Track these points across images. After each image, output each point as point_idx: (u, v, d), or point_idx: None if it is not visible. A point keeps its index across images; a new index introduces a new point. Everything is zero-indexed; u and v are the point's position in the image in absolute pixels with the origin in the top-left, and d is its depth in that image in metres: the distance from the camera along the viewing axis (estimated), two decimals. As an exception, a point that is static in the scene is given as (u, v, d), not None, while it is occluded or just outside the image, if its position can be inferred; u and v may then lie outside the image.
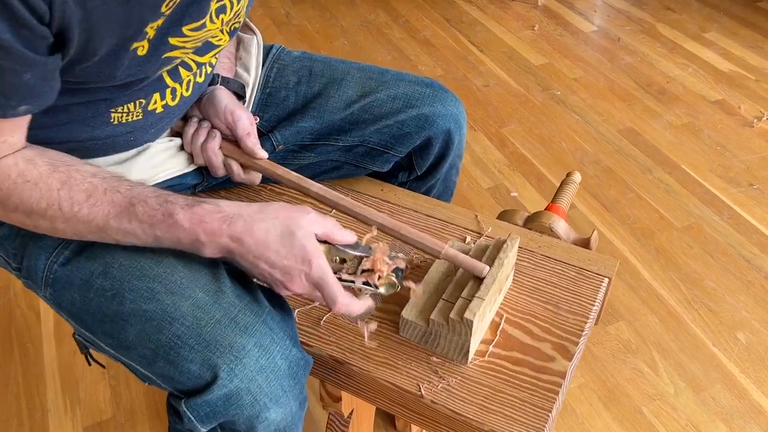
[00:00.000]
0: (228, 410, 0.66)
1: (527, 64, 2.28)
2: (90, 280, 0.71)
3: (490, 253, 0.80)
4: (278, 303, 0.76)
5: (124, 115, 0.73)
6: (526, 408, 0.73)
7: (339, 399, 0.85)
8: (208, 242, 0.65)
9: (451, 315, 0.74)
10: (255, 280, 0.71)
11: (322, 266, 0.66)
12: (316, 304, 0.77)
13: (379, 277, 0.71)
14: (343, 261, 0.71)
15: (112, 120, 0.72)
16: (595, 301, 0.84)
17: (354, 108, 0.95)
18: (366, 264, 0.71)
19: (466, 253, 0.83)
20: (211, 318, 0.68)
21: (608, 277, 0.87)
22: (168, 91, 0.76)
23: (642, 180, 1.78)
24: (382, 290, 0.72)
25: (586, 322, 0.81)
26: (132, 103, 0.73)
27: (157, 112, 0.76)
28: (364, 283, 0.71)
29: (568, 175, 1.04)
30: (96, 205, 0.65)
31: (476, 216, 0.95)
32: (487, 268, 0.75)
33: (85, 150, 0.74)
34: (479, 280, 0.76)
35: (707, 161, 1.84)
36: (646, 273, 1.52)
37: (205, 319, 0.68)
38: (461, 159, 1.10)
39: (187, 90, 0.78)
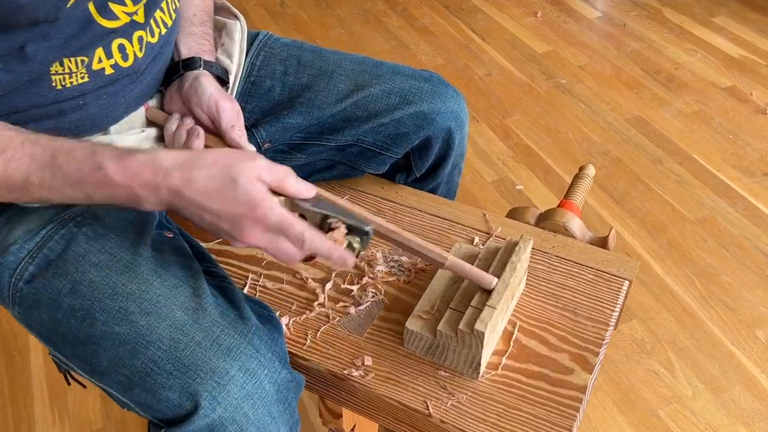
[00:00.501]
0: None
1: (531, 52, 2.21)
2: (58, 299, 0.65)
3: (501, 257, 0.74)
4: (266, 317, 0.70)
5: (66, 77, 0.65)
6: (544, 427, 0.66)
7: (339, 416, 0.79)
8: (145, 196, 0.58)
9: (461, 326, 0.67)
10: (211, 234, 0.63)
11: (274, 208, 0.58)
12: (299, 266, 0.66)
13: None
14: (302, 218, 0.62)
15: (53, 83, 0.65)
16: (615, 306, 0.78)
17: (346, 104, 0.88)
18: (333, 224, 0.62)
19: (475, 256, 0.76)
20: (190, 340, 0.62)
21: (629, 280, 0.80)
22: (114, 46, 0.68)
23: (652, 171, 1.71)
24: None
25: (606, 330, 0.75)
26: (71, 61, 0.65)
27: (106, 73, 0.68)
28: None
29: (582, 168, 0.97)
30: (13, 160, 0.57)
31: (484, 215, 0.89)
32: (496, 280, 0.69)
33: (33, 121, 0.67)
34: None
35: (719, 150, 1.77)
36: (659, 268, 1.46)
37: (184, 341, 0.62)
38: (464, 158, 1.03)
39: (140, 50, 0.71)
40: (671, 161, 1.74)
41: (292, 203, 0.61)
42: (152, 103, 0.79)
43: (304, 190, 0.62)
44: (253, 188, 0.57)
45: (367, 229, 0.62)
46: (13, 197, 0.60)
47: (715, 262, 1.47)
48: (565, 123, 1.89)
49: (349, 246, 0.62)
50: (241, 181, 0.57)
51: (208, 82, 0.76)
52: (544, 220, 0.87)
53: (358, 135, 0.88)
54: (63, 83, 0.66)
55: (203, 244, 0.78)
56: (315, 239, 0.59)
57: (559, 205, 0.89)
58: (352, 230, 0.62)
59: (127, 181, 0.57)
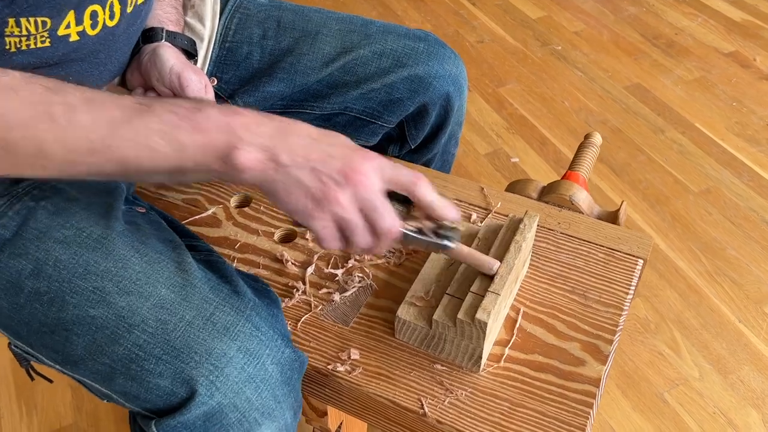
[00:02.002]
0: (210, 431, 0.55)
1: (524, 18, 2.11)
2: (18, 283, 0.58)
3: (504, 236, 0.66)
4: (264, 291, 0.62)
5: (23, 39, 0.56)
6: (554, 426, 0.59)
7: (324, 414, 0.71)
8: (246, 139, 0.49)
9: (460, 315, 0.59)
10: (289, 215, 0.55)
11: (377, 184, 0.51)
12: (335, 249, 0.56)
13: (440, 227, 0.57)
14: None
15: (6, 46, 0.56)
16: (629, 288, 0.70)
17: (332, 68, 0.80)
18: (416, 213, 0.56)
19: (473, 236, 0.68)
20: (179, 320, 0.55)
21: (643, 259, 0.73)
22: (87, 13, 0.59)
23: (653, 141, 1.64)
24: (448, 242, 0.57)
25: (620, 315, 0.67)
26: (29, 22, 0.55)
27: (70, 40, 0.59)
28: (418, 231, 0.56)
29: (587, 137, 0.89)
30: (100, 109, 0.49)
31: (482, 189, 0.80)
32: (497, 264, 0.61)
33: None
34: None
35: (723, 119, 1.70)
36: (662, 243, 1.39)
37: (173, 321, 0.55)
38: (461, 127, 0.96)
39: (110, 18, 0.61)
40: (673, 130, 1.67)
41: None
42: (116, 81, 0.70)
43: (449, 210, 0.55)
44: (369, 157, 0.51)
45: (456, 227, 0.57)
46: (90, 161, 0.49)
47: (720, 235, 1.40)
48: (561, 91, 1.80)
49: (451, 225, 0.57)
50: (360, 151, 0.52)
51: (168, 54, 0.67)
52: (548, 193, 0.78)
53: (346, 102, 0.81)
54: (18, 46, 0.56)
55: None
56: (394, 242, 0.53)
57: (563, 177, 0.81)
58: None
59: (228, 119, 0.49)
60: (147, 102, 0.50)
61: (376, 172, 0.51)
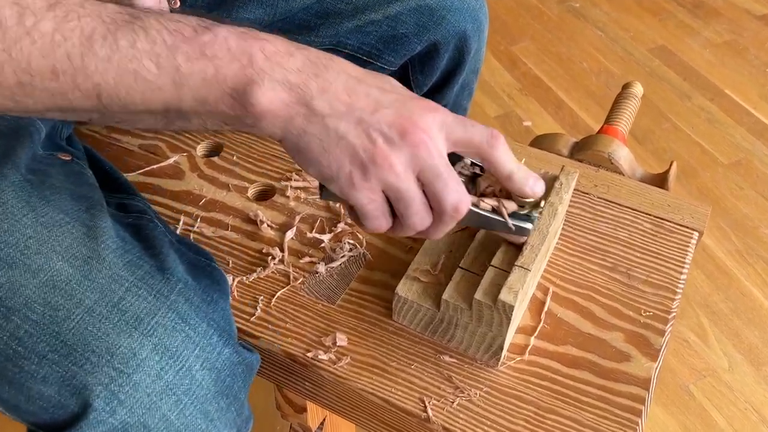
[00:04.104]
0: None
1: (539, -28, 1.94)
2: None
3: (534, 196, 0.52)
4: (203, 267, 0.49)
5: None
6: (593, 440, 0.46)
7: (303, 409, 0.58)
8: (269, 72, 0.37)
9: (477, 295, 0.46)
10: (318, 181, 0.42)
11: (442, 147, 0.39)
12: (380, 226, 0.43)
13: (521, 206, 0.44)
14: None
15: None
16: (683, 267, 0.57)
17: None
18: (483, 185, 0.44)
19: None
20: (76, 305, 0.42)
21: (699, 231, 0.60)
22: None
23: (679, 107, 1.51)
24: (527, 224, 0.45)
25: (673, 299, 0.54)
26: None
27: None
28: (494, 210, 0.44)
29: (626, 86, 0.75)
30: (69, 18, 0.36)
31: (502, 142, 0.66)
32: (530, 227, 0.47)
33: None
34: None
35: (755, 85, 1.56)
36: (689, 219, 1.26)
37: (66, 307, 0.42)
38: (477, 77, 0.83)
39: None
40: (700, 97, 1.53)
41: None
42: None
43: (536, 184, 0.43)
44: (431, 108, 0.40)
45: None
46: (52, 88, 0.36)
47: (752, 212, 1.29)
48: (579, 52, 1.66)
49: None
50: (419, 100, 0.40)
51: None
52: (582, 149, 0.65)
53: (338, 36, 0.69)
54: None
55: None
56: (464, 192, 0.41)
57: (600, 131, 0.67)
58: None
59: (245, 43, 0.37)
60: (136, 13, 0.37)
61: (442, 129, 0.39)
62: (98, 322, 0.42)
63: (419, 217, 0.40)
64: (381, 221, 0.41)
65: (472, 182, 0.45)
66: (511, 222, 0.43)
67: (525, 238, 0.47)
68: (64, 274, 0.43)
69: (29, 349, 0.41)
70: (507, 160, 0.41)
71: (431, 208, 0.40)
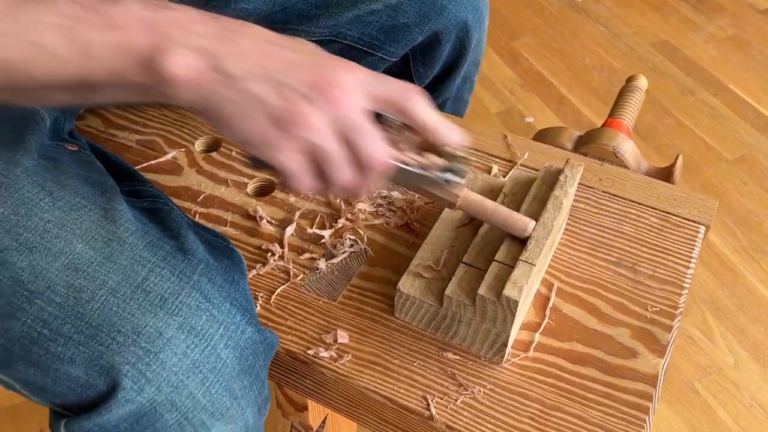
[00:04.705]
0: None
1: (541, -32, 1.93)
2: None
3: (538, 190, 0.51)
4: (222, 248, 0.49)
5: None
6: (600, 438, 0.45)
7: (304, 408, 0.57)
8: (178, 38, 0.37)
9: (481, 291, 0.45)
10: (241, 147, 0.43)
11: (359, 102, 0.39)
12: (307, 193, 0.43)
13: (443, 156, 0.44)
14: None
15: None
16: (690, 261, 0.56)
17: None
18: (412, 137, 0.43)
19: (498, 190, 0.54)
20: (99, 286, 0.42)
21: (705, 225, 0.59)
22: None
23: (682, 103, 1.49)
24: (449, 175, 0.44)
25: (680, 294, 0.53)
26: None
27: None
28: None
29: (630, 79, 0.74)
30: None
31: (505, 137, 0.65)
32: (533, 223, 0.47)
33: None
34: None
35: (759, 80, 1.55)
36: (693, 215, 1.25)
37: (90, 289, 0.42)
38: (478, 69, 0.82)
39: None
40: (704, 92, 1.52)
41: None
42: None
43: (450, 132, 0.42)
44: (347, 66, 0.39)
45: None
46: None
47: (757, 207, 1.27)
48: (581, 47, 1.64)
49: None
50: (334, 59, 0.40)
51: None
52: (587, 143, 0.64)
53: (338, 27, 0.68)
54: None
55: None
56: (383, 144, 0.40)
57: (604, 125, 0.66)
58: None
59: (153, 14, 0.37)
60: None
61: (358, 85, 0.39)
62: (122, 302, 0.41)
63: (343, 173, 0.40)
64: (306, 181, 0.40)
65: (399, 143, 0.44)
66: (437, 174, 0.43)
67: (530, 228, 0.46)
68: (85, 257, 0.42)
69: (54, 331, 0.41)
70: (423, 111, 0.41)
71: (355, 165, 0.40)
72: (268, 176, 0.62)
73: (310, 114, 0.37)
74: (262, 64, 0.37)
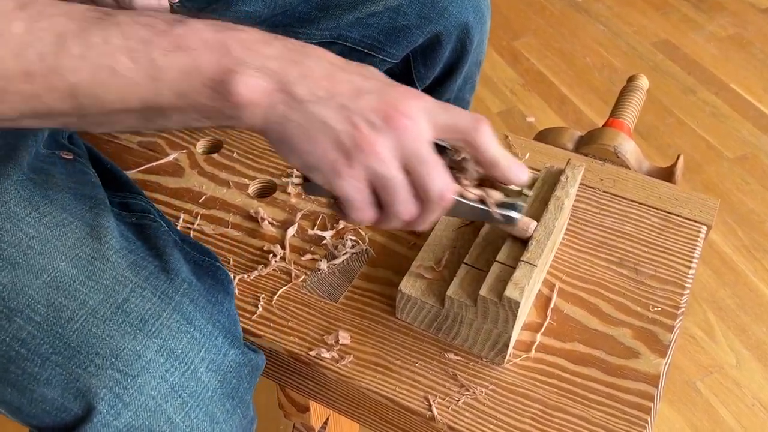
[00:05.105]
0: None
1: (541, -33, 1.93)
2: None
3: (539, 190, 0.51)
4: (208, 268, 0.48)
5: None
6: (602, 438, 0.45)
7: (306, 409, 0.57)
8: (247, 60, 0.36)
9: (482, 292, 0.45)
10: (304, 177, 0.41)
11: (426, 133, 0.38)
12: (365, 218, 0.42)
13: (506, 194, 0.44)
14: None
15: None
16: (691, 261, 0.56)
17: None
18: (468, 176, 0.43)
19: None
20: (80, 306, 0.41)
21: (707, 225, 0.59)
22: None
23: (684, 102, 1.49)
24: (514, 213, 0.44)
25: (682, 294, 0.53)
26: None
27: None
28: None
29: (631, 79, 0.74)
30: (41, 17, 0.35)
31: (507, 137, 0.65)
32: (534, 224, 0.47)
33: None
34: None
35: (760, 79, 1.55)
36: (694, 214, 1.25)
37: (70, 308, 0.41)
38: (479, 70, 0.82)
39: None
40: (705, 91, 1.52)
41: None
42: None
43: (518, 167, 0.41)
44: (414, 95, 0.39)
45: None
46: (26, 90, 0.35)
47: (759, 206, 1.27)
48: (582, 47, 1.64)
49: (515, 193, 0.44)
50: (401, 87, 0.39)
51: None
52: (588, 143, 0.64)
53: (339, 29, 0.68)
54: None
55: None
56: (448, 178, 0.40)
57: (605, 125, 0.66)
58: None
59: (220, 35, 0.36)
60: (108, 11, 0.36)
61: (426, 115, 0.38)
62: (102, 323, 0.41)
63: (405, 206, 0.39)
64: (367, 212, 0.39)
65: (458, 174, 0.44)
66: (496, 211, 0.42)
67: (515, 227, 0.46)
68: (67, 275, 0.42)
69: (32, 351, 0.40)
70: (492, 145, 0.40)
71: (416, 197, 0.39)
72: (270, 178, 0.62)
73: (376, 141, 0.36)
74: (329, 87, 0.37)
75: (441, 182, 0.38)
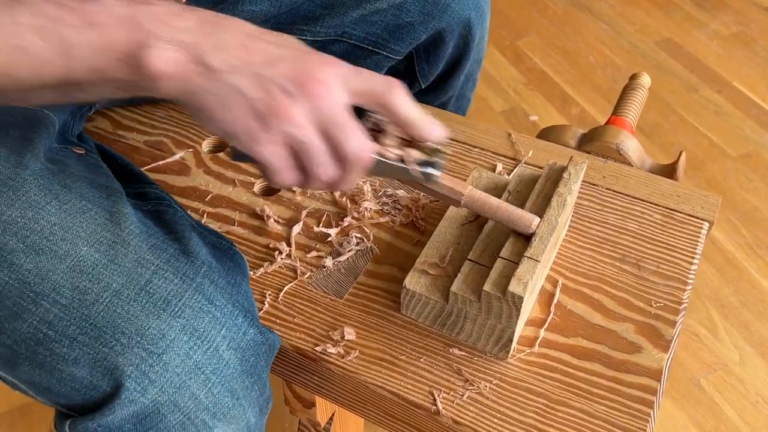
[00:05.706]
0: None
1: (544, -34, 1.93)
2: None
3: (542, 187, 0.52)
4: (225, 250, 0.50)
5: None
6: None
7: (312, 404, 0.58)
8: (159, 33, 0.37)
9: (486, 287, 0.46)
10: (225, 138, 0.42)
11: (342, 97, 0.40)
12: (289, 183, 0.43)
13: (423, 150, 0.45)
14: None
15: None
16: (693, 257, 0.56)
17: None
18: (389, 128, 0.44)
19: (502, 188, 0.54)
20: (104, 288, 0.43)
21: (709, 222, 0.59)
22: None
23: (687, 100, 1.49)
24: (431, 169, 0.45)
25: (684, 290, 0.54)
26: None
27: None
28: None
29: (633, 77, 0.74)
30: None
31: (510, 135, 0.66)
32: (537, 220, 0.47)
33: None
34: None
35: (764, 77, 1.55)
36: (697, 212, 1.25)
37: (95, 290, 0.43)
38: (481, 67, 0.82)
39: None
40: (708, 89, 1.52)
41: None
42: None
43: (431, 123, 0.43)
44: (328, 61, 0.40)
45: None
46: None
47: (762, 204, 1.28)
48: (585, 46, 1.64)
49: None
50: (315, 54, 0.40)
51: None
52: (590, 141, 0.64)
53: (343, 26, 0.69)
54: None
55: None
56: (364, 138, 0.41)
57: (607, 122, 0.67)
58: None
59: (132, 9, 0.37)
60: None
61: (339, 80, 0.39)
62: (126, 304, 0.42)
63: (324, 168, 0.40)
64: (288, 174, 0.41)
65: (381, 136, 0.45)
66: (416, 168, 0.43)
67: (534, 225, 0.47)
68: (90, 259, 0.43)
69: (60, 332, 0.42)
70: (405, 106, 0.41)
71: (335, 159, 0.40)
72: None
73: (291, 108, 0.38)
74: (243, 57, 0.38)
75: (357, 143, 0.40)
